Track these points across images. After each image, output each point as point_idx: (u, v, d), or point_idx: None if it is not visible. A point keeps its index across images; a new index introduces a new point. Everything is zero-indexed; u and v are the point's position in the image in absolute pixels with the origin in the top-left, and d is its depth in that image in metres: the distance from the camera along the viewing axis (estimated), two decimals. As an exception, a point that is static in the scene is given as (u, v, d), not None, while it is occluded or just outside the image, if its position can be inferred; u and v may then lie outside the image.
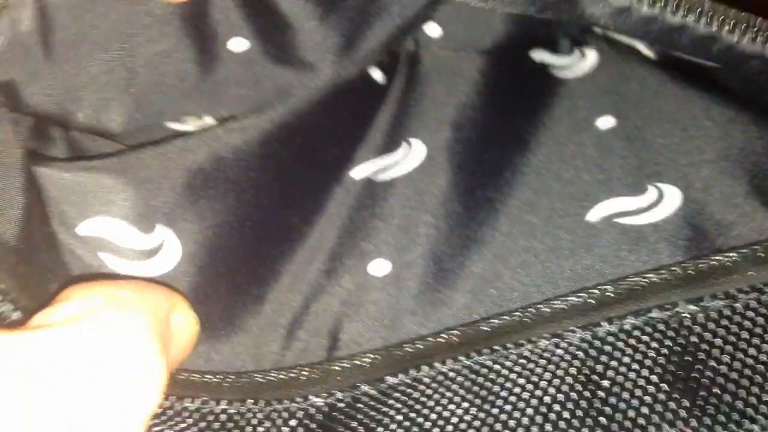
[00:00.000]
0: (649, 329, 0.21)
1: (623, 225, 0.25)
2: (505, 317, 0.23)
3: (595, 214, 0.25)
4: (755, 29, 0.22)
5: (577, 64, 0.30)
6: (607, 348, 0.21)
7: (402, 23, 0.28)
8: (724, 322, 0.21)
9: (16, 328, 0.17)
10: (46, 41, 0.23)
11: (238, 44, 0.26)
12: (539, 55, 0.30)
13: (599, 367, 0.21)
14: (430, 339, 0.23)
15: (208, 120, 0.28)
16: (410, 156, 0.28)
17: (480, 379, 0.22)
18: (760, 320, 0.21)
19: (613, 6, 0.22)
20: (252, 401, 0.22)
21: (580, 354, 0.21)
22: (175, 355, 0.20)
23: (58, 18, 0.23)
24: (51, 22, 0.23)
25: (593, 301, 0.22)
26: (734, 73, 0.24)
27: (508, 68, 0.30)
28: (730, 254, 0.22)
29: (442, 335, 0.23)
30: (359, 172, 0.28)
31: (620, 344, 0.21)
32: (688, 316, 0.21)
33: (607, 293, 0.22)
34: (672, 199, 0.25)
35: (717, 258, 0.22)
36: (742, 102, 0.26)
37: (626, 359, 0.21)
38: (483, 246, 0.26)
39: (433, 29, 0.30)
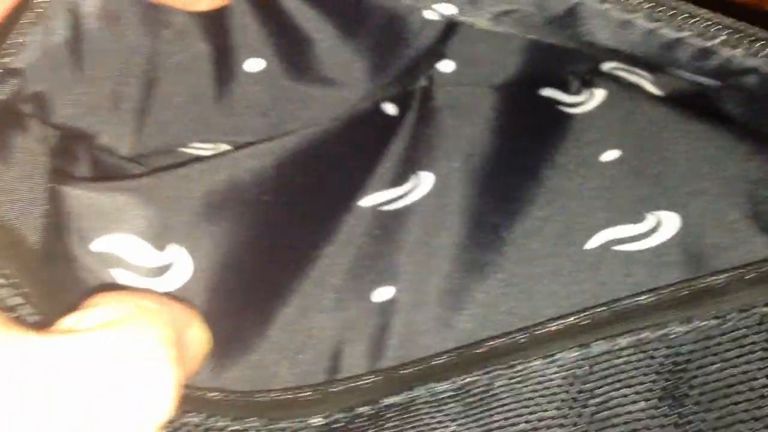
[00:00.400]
0: (641, 348, 0.22)
1: (621, 251, 0.25)
2: (500, 339, 0.23)
3: (595, 242, 0.26)
4: (751, 39, 0.22)
5: (586, 102, 0.31)
6: (600, 367, 0.22)
7: (417, 54, 0.29)
8: (715, 341, 0.21)
9: (40, 330, 0.18)
10: (76, 52, 0.23)
11: (255, 64, 0.27)
12: (549, 93, 0.31)
13: (590, 385, 0.21)
14: (427, 361, 0.23)
15: (224, 147, 0.29)
16: (419, 187, 0.29)
17: (474, 399, 0.22)
18: (749, 340, 0.21)
19: (615, 20, 0.23)
20: (253, 419, 0.23)
21: (573, 373, 0.22)
22: (188, 370, 0.21)
23: (88, 29, 0.23)
24: (82, 33, 0.23)
25: (587, 323, 0.22)
26: (733, 91, 0.25)
27: (519, 103, 0.31)
28: (722, 276, 0.22)
29: (438, 357, 0.23)
30: (368, 201, 0.29)
31: (612, 363, 0.22)
32: (680, 335, 0.21)
33: (600, 315, 0.22)
34: (670, 225, 0.26)
35: (709, 279, 0.22)
36: (743, 131, 0.27)
37: (619, 377, 0.21)
38: (487, 272, 0.27)
39: (445, 65, 0.31)
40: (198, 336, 0.21)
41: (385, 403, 0.23)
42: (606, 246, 0.26)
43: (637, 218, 0.26)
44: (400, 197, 0.29)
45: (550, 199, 0.28)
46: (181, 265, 0.25)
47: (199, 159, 0.27)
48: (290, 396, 0.23)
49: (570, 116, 0.30)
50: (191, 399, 0.23)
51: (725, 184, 0.26)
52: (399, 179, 0.29)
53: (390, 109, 0.30)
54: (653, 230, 0.26)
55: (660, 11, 0.22)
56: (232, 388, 0.24)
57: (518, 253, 0.27)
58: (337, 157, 0.29)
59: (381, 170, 0.29)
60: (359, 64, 0.28)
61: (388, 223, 0.28)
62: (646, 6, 0.22)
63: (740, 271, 0.22)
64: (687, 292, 0.22)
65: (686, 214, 0.26)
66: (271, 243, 0.27)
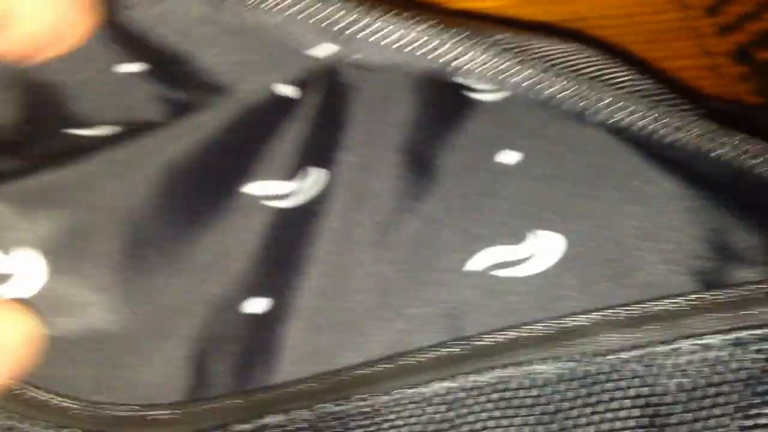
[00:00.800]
0: (501, 386, 0.21)
1: (500, 277, 0.24)
2: (364, 367, 0.22)
3: (476, 262, 0.24)
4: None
5: (497, 89, 0.28)
6: (459, 406, 0.21)
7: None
8: (575, 384, 0.21)
9: None
10: None
11: (132, 67, 0.26)
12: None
13: (450, 422, 0.21)
14: (284, 387, 0.22)
15: (107, 128, 0.27)
16: (311, 185, 0.27)
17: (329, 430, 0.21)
18: (609, 386, 0.20)
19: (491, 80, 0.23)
20: None
21: (426, 409, 0.21)
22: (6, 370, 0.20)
23: None
24: None
25: (451, 356, 0.22)
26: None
27: (427, 89, 0.29)
28: (584, 316, 0.21)
29: (300, 384, 0.22)
30: (254, 189, 0.27)
31: (473, 400, 0.21)
32: (543, 375, 0.21)
33: (463, 350, 0.22)
34: (554, 249, 0.24)
35: (572, 319, 0.21)
36: (650, 155, 0.25)
37: (475, 416, 0.21)
38: (362, 285, 0.25)
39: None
40: (19, 331, 0.20)
41: (236, 429, 0.22)
42: (486, 269, 0.24)
43: (518, 238, 0.24)
44: (291, 194, 0.27)
45: (442, 202, 0.26)
46: (31, 271, 0.24)
47: (82, 162, 0.25)
48: (142, 413, 0.22)
49: (477, 103, 0.28)
50: (36, 403, 0.22)
51: (618, 209, 0.24)
52: (290, 171, 0.27)
53: (287, 91, 0.28)
54: (535, 255, 0.24)
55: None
56: (86, 392, 0.23)
57: (401, 264, 0.25)
58: (224, 146, 0.27)
59: (270, 158, 0.27)
60: (248, 69, 0.26)
61: (274, 222, 0.26)
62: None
63: (603, 312, 0.21)
64: (552, 331, 0.21)
65: (573, 238, 0.24)
66: (148, 235, 0.25)
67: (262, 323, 0.25)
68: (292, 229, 0.26)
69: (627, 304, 0.21)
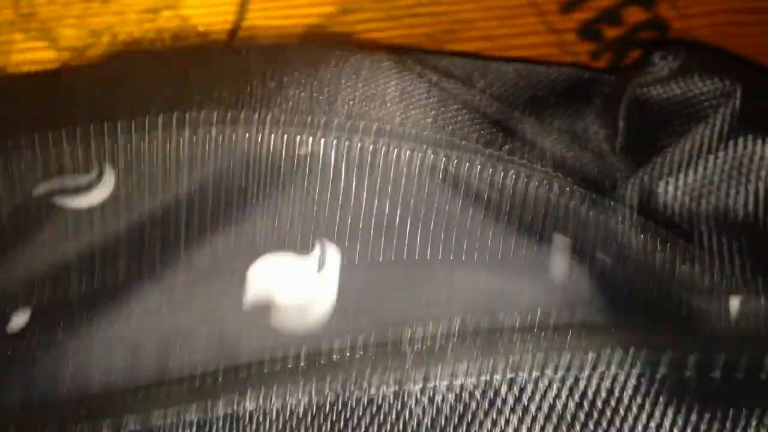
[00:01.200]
0: (247, 419, 0.20)
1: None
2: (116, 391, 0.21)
3: (256, 270, 0.22)
4: None
5: None
6: None
7: None
8: (325, 417, 0.20)
9: None
10: None
11: None
12: None
13: None
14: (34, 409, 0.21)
15: None
16: (103, 185, 0.24)
17: None
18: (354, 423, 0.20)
19: None
20: None
21: None
22: None
23: None
24: None
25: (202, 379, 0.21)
26: None
27: None
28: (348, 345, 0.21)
29: (51, 406, 0.21)
30: (42, 188, 0.24)
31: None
32: (295, 407, 0.20)
33: (217, 377, 0.21)
34: (332, 263, 0.22)
35: (335, 349, 0.21)
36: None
37: None
38: (128, 299, 0.23)
39: None
40: None
41: None
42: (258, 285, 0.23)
43: (305, 248, 0.23)
44: (83, 189, 0.24)
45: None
46: None
47: None
48: None
49: None
50: None
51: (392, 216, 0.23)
52: (80, 167, 0.25)
53: None
54: (317, 269, 0.22)
55: None
56: None
57: (188, 275, 0.23)
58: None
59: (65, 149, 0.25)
60: None
61: (58, 222, 0.24)
62: None
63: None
64: (310, 362, 0.21)
65: (347, 250, 0.23)
66: None
67: (19, 338, 0.23)
68: (75, 226, 0.24)
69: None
